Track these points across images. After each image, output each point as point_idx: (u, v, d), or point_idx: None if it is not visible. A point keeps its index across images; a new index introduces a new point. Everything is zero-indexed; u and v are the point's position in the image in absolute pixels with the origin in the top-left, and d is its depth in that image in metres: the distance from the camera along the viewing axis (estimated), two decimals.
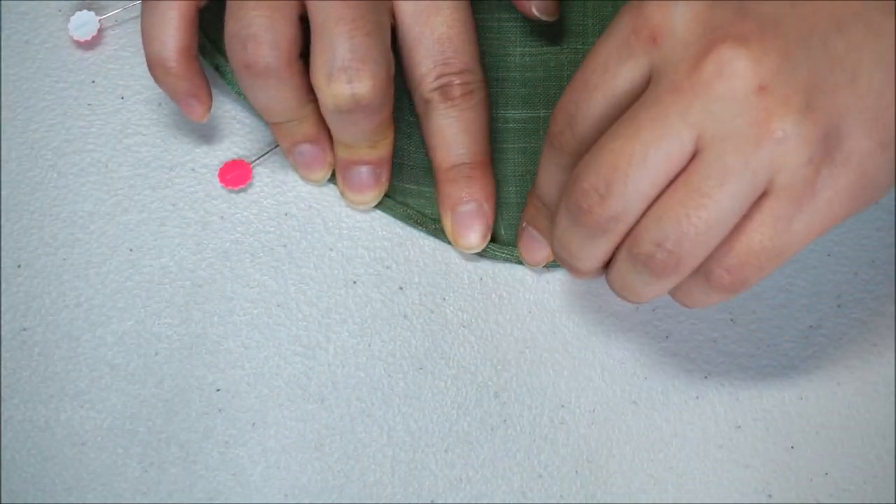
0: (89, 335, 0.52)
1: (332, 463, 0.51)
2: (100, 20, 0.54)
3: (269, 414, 0.51)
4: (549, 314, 0.53)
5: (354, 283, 0.53)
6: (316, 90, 0.48)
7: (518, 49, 0.54)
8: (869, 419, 0.52)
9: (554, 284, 0.53)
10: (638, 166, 0.41)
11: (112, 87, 0.54)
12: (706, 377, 0.52)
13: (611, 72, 0.42)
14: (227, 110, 0.54)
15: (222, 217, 0.53)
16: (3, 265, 0.52)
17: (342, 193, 0.52)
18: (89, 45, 0.54)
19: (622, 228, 0.42)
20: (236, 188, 0.53)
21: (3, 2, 0.54)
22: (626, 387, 0.52)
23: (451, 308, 0.52)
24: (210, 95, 0.50)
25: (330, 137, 0.51)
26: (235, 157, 0.53)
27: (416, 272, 0.53)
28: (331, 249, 0.53)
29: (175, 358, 0.51)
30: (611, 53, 0.43)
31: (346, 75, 0.47)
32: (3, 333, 0.51)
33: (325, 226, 0.53)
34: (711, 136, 0.40)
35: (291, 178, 0.53)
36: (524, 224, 0.51)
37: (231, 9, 0.48)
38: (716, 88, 0.40)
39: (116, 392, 0.51)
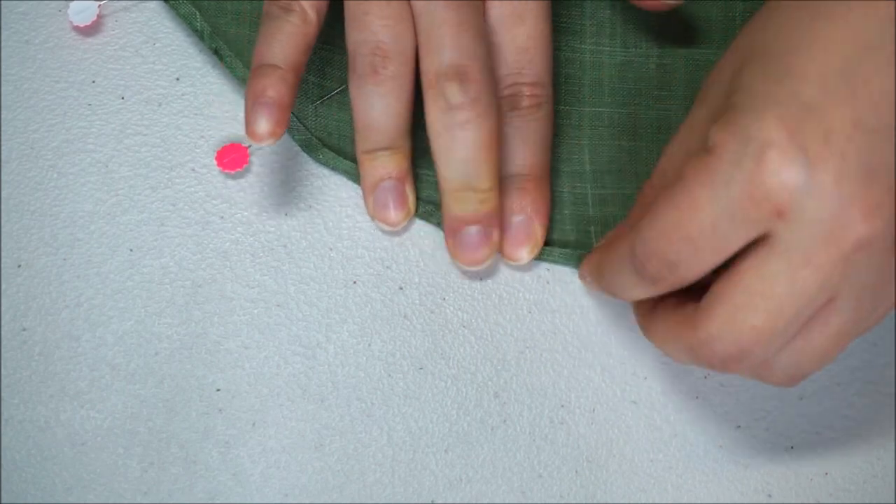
0: (89, 335, 0.52)
1: (332, 463, 0.51)
2: (99, 5, 0.54)
3: (269, 414, 0.51)
4: (549, 314, 0.53)
5: (354, 283, 0.53)
6: (425, 91, 0.48)
7: None
8: (869, 419, 0.52)
9: (554, 285, 0.53)
10: (778, 336, 0.42)
11: (112, 87, 0.54)
12: (706, 377, 0.52)
13: (723, 236, 0.41)
14: (227, 110, 0.54)
15: (222, 217, 0.53)
16: (3, 265, 0.52)
17: (452, 255, 0.52)
18: (89, 30, 0.54)
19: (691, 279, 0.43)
20: (233, 171, 0.53)
21: (3, 2, 0.54)
22: (626, 387, 0.52)
23: (451, 308, 0.52)
24: (285, 127, 0.48)
25: (413, 178, 0.52)
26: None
27: (416, 272, 0.53)
28: (331, 249, 0.53)
29: (175, 358, 0.51)
30: (722, 216, 0.41)
31: (456, 72, 0.47)
32: (3, 333, 0.51)
33: (325, 226, 0.53)
34: (845, 293, 0.41)
35: (291, 179, 0.53)
36: (582, 272, 0.51)
37: (354, 18, 0.49)
38: (855, 260, 0.40)
39: (116, 392, 0.51)
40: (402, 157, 0.51)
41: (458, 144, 0.49)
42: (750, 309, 0.41)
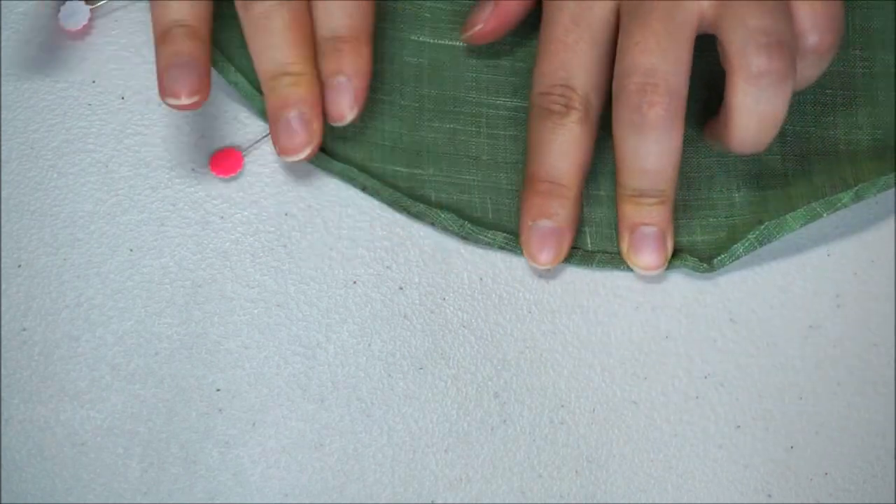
0: (89, 335, 0.52)
1: (332, 463, 0.51)
2: (91, 9, 0.54)
3: (269, 414, 0.51)
4: (549, 314, 0.53)
5: (354, 283, 0.53)
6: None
7: (509, 38, 0.54)
8: (869, 419, 0.52)
9: (554, 284, 0.53)
10: (668, 38, 0.42)
11: (112, 87, 0.54)
12: (706, 377, 0.52)
13: (584, 22, 0.45)
14: (227, 110, 0.54)
15: (222, 217, 0.53)
16: (3, 265, 0.52)
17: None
18: (80, 34, 0.54)
19: (683, 100, 0.43)
20: (227, 177, 0.53)
21: (3, 2, 0.54)
22: (626, 387, 0.52)
23: (451, 308, 0.52)
24: (206, 83, 0.48)
25: (321, 108, 0.50)
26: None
27: (416, 272, 0.53)
28: (331, 249, 0.53)
29: (175, 358, 0.51)
30: (572, 9, 0.45)
31: (333, 44, 0.49)
32: (3, 333, 0.51)
33: (325, 226, 0.53)
34: None
35: (292, 178, 0.53)
36: (529, 223, 0.51)
37: None
38: None
39: (116, 392, 0.51)
40: (307, 84, 0.49)
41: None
42: (625, 38, 0.44)
